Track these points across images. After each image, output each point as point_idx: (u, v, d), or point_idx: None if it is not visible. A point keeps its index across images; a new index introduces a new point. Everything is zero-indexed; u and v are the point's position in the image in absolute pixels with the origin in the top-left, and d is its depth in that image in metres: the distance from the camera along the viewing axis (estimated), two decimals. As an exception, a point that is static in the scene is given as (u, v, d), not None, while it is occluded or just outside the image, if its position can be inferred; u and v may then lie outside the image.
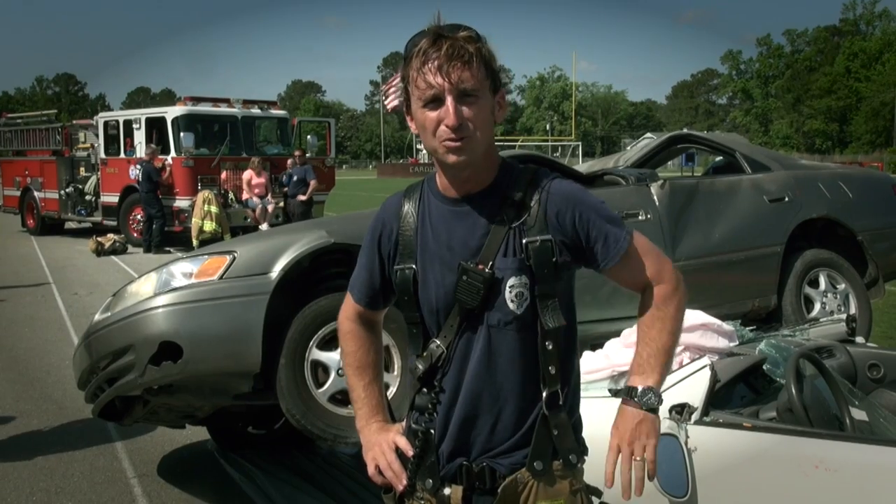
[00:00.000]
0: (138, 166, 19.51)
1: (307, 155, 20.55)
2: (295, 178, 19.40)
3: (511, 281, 2.20)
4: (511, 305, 2.20)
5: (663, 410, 3.48)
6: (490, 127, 2.21)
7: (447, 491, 2.28)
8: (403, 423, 2.41)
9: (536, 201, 2.23)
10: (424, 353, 2.28)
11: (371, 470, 2.39)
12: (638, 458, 2.19)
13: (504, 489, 2.24)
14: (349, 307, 2.55)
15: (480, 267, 2.19)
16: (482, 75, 2.15)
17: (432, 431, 2.29)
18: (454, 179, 2.26)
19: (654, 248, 2.32)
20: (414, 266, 2.30)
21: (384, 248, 2.39)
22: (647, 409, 2.22)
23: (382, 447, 2.37)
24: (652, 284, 2.29)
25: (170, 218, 19.67)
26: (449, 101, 2.12)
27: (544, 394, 2.23)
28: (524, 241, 2.20)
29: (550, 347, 2.22)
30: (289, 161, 20.12)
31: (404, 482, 2.32)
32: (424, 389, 2.30)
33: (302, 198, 19.21)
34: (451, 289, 2.22)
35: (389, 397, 4.87)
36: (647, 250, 2.30)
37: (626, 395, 2.24)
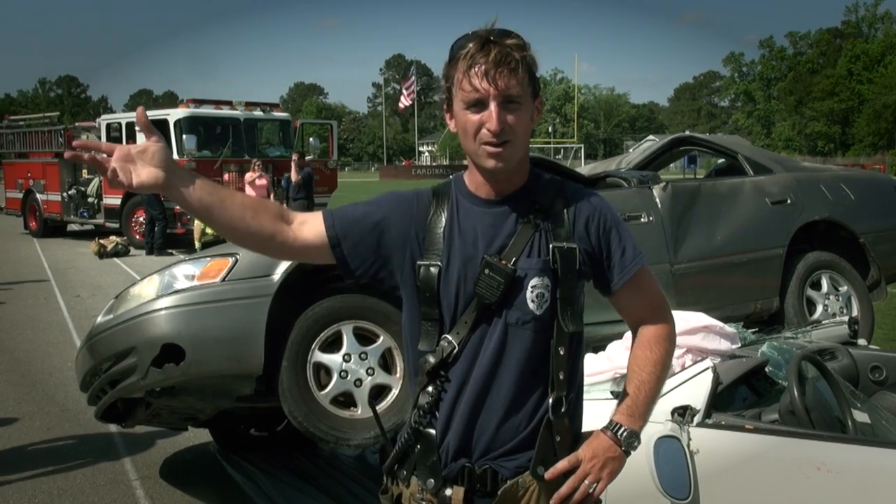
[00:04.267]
0: None
1: (307, 157, 20.51)
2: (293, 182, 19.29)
3: (533, 281, 2.21)
4: (531, 305, 2.21)
5: (665, 413, 3.50)
6: (529, 133, 2.25)
7: (448, 492, 2.27)
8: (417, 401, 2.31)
9: (565, 209, 2.27)
10: (436, 349, 2.28)
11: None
12: (587, 483, 2.23)
13: (504, 493, 2.24)
14: (305, 217, 2.37)
15: (504, 262, 2.21)
16: (526, 83, 2.18)
17: (433, 431, 2.29)
18: (490, 180, 2.28)
19: (658, 285, 2.43)
20: (440, 263, 2.29)
21: (385, 223, 2.32)
22: (624, 448, 2.27)
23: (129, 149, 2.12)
24: (649, 321, 2.37)
25: (172, 220, 19.67)
26: (493, 106, 2.14)
27: (550, 399, 2.24)
28: (552, 245, 2.23)
29: (562, 352, 2.23)
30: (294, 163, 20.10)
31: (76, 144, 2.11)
32: (430, 388, 2.28)
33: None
34: (471, 283, 2.23)
35: (391, 400, 4.89)
36: (655, 283, 2.40)
37: (611, 428, 2.27)
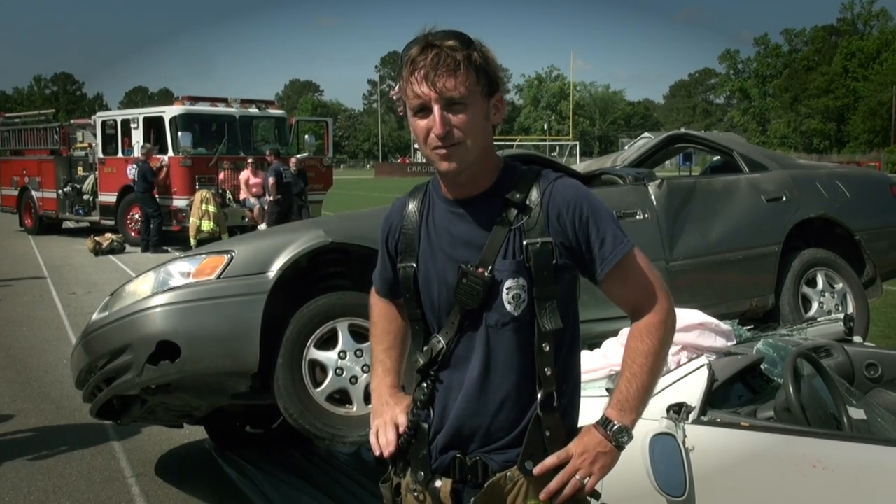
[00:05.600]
0: (135, 166, 19.52)
1: (302, 156, 20.48)
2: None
3: (508, 283, 2.21)
4: (508, 307, 2.21)
5: (661, 410, 3.50)
6: (483, 132, 2.21)
7: (437, 484, 2.31)
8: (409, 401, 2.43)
9: (538, 203, 2.23)
10: (425, 348, 2.32)
11: (372, 439, 2.43)
12: (578, 478, 2.21)
13: (491, 485, 2.25)
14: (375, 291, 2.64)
15: (480, 270, 2.20)
16: (472, 81, 2.15)
17: (425, 426, 2.32)
18: (451, 184, 2.28)
19: (653, 271, 2.31)
20: (414, 265, 2.32)
21: (391, 245, 2.44)
22: (615, 444, 2.23)
23: (386, 420, 2.42)
24: (642, 308, 2.28)
25: (168, 217, 19.67)
26: (436, 109, 2.13)
27: (539, 395, 2.24)
28: (524, 242, 2.21)
29: (547, 349, 2.22)
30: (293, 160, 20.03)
31: (391, 450, 2.37)
32: (423, 385, 2.33)
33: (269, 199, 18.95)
34: (451, 287, 2.24)
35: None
36: (646, 270, 2.29)
37: (602, 423, 2.24)
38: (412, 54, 2.15)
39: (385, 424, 2.41)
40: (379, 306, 2.60)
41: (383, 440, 2.39)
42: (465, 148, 2.17)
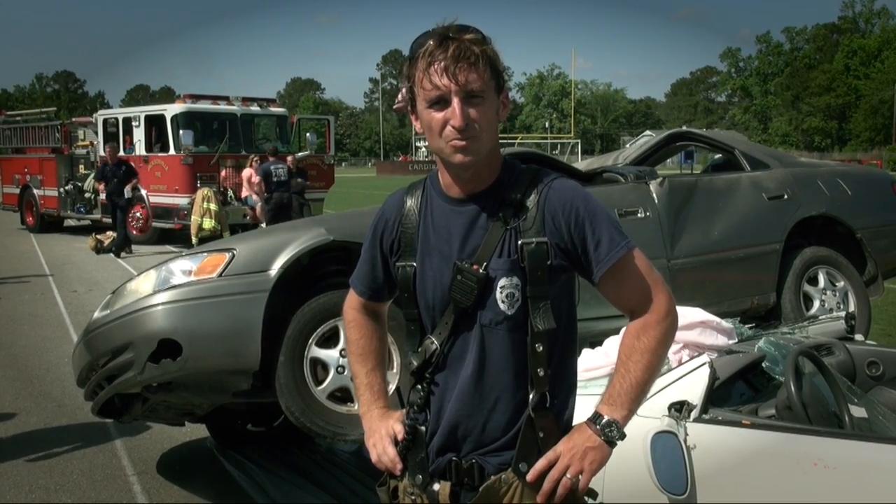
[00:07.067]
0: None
1: (303, 154, 20.47)
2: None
3: (502, 281, 2.20)
4: (502, 306, 2.20)
5: (662, 408, 3.49)
6: (495, 127, 2.22)
7: (436, 487, 2.29)
8: (404, 411, 2.43)
9: (535, 203, 2.22)
10: (419, 349, 2.30)
11: (373, 457, 2.41)
12: (569, 477, 2.18)
13: (486, 488, 2.24)
14: (353, 298, 2.58)
15: (475, 267, 2.20)
16: (488, 76, 2.16)
17: (422, 428, 2.32)
18: (457, 179, 2.26)
19: (653, 273, 2.28)
20: (414, 263, 2.31)
21: (385, 243, 2.41)
22: (605, 439, 2.21)
23: (381, 433, 2.40)
24: (640, 310, 2.26)
25: (169, 215, 19.68)
26: (455, 102, 2.13)
27: (531, 396, 2.23)
28: (519, 242, 2.20)
29: (540, 350, 2.21)
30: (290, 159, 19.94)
31: (399, 467, 2.35)
32: (418, 386, 2.32)
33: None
34: (447, 286, 2.23)
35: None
36: (645, 272, 2.26)
37: (591, 419, 2.23)
38: (430, 47, 2.14)
39: (382, 439, 2.39)
40: (357, 321, 2.57)
41: (386, 459, 2.36)
42: (481, 141, 2.17)
